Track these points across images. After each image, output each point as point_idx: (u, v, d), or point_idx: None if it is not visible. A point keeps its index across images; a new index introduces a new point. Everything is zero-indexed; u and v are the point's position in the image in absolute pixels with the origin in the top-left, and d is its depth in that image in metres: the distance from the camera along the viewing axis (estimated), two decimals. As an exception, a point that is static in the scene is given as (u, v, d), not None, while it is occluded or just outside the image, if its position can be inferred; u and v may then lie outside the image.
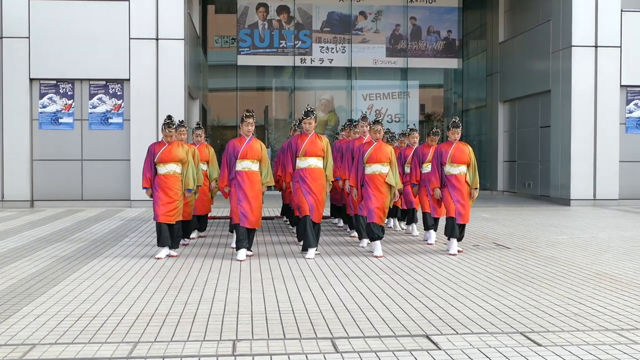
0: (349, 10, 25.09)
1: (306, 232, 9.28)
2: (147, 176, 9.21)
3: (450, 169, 9.72)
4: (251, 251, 9.29)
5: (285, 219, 13.75)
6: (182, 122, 10.08)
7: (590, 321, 5.72)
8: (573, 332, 5.40)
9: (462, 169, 9.69)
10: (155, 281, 7.42)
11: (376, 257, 9.22)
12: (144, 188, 9.32)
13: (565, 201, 18.41)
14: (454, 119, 10.02)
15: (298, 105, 25.14)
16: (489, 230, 12.55)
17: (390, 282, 7.44)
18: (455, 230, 9.59)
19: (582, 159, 18.14)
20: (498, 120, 23.62)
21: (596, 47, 18.11)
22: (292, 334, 5.29)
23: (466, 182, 9.69)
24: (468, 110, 26.71)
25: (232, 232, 10.61)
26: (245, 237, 9.01)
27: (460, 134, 9.84)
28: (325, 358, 4.72)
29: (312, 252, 9.23)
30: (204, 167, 10.71)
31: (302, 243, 9.63)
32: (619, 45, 18.17)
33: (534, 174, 21.09)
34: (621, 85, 18.36)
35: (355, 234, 11.30)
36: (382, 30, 25.34)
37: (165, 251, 9.11)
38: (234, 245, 9.88)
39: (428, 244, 10.65)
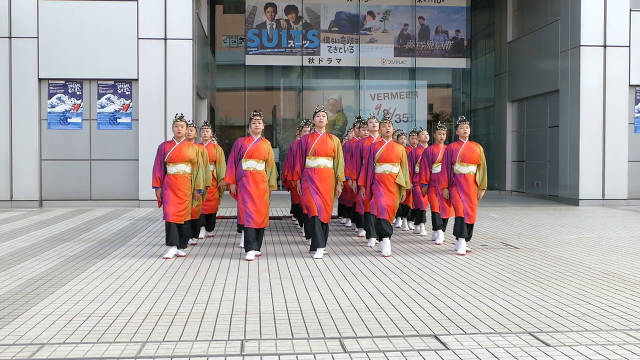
0: (357, 10, 25.08)
1: (315, 232, 9.26)
2: (157, 175, 9.19)
3: (459, 168, 9.67)
4: (259, 251, 9.28)
5: (293, 218, 13.73)
6: (190, 122, 10.08)
7: (598, 321, 5.70)
8: (581, 332, 5.38)
9: (472, 168, 9.65)
10: (164, 281, 7.43)
11: (384, 256, 9.21)
12: (153, 187, 9.29)
13: (573, 201, 18.36)
14: (461, 116, 10.06)
15: (306, 105, 25.16)
16: (497, 230, 12.52)
17: (398, 282, 7.43)
18: (463, 230, 9.57)
19: (590, 159, 18.08)
20: (506, 120, 23.58)
21: (605, 46, 18.05)
22: (300, 334, 5.29)
23: (475, 182, 9.68)
24: (476, 110, 26.67)
25: (240, 231, 10.62)
26: (254, 239, 8.98)
27: (469, 130, 9.80)
28: (333, 358, 4.71)
29: (320, 252, 9.22)
30: (211, 167, 10.71)
31: (310, 242, 9.63)
32: (628, 44, 18.11)
33: (542, 173, 21.04)
34: (630, 85, 18.29)
35: (363, 232, 11.30)
36: (390, 30, 25.32)
37: (173, 250, 9.11)
38: (242, 244, 9.92)
39: (436, 244, 10.64)
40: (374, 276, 7.77)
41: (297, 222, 12.97)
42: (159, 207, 9.30)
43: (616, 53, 18.08)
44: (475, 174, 9.67)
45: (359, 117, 12.74)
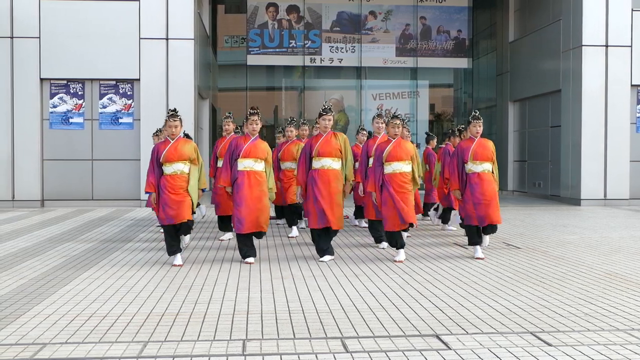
0: (359, 9, 25.08)
1: (315, 241, 9.00)
2: (150, 181, 8.41)
3: (472, 167, 9.22)
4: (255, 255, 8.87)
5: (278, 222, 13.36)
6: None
7: (600, 321, 5.69)
8: (584, 332, 5.38)
9: (486, 166, 9.21)
10: (165, 281, 7.43)
11: (396, 262, 8.71)
12: (146, 192, 8.56)
13: (575, 201, 18.34)
14: (474, 112, 9.51)
15: (308, 105, 25.17)
16: (499, 229, 12.45)
17: (400, 282, 7.43)
18: (479, 236, 9.22)
19: (592, 159, 18.07)
20: (508, 119, 23.56)
21: (607, 46, 18.03)
22: (302, 334, 5.28)
23: (493, 179, 9.23)
24: (478, 110, 26.61)
25: (220, 229, 11.22)
26: (251, 246, 8.62)
27: (482, 128, 9.36)
28: (335, 358, 4.71)
29: (327, 257, 8.82)
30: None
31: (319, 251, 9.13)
32: (630, 44, 18.09)
33: (544, 173, 21.02)
34: (632, 85, 18.27)
35: (364, 224, 11.40)
36: (391, 30, 25.32)
37: (179, 257, 8.46)
38: (223, 237, 10.76)
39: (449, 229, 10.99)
40: (375, 276, 7.76)
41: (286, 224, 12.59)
42: (157, 212, 8.53)
43: (618, 53, 18.06)
44: (492, 172, 9.24)
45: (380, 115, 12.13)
